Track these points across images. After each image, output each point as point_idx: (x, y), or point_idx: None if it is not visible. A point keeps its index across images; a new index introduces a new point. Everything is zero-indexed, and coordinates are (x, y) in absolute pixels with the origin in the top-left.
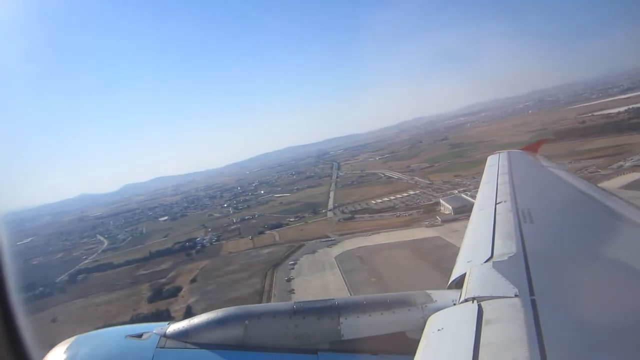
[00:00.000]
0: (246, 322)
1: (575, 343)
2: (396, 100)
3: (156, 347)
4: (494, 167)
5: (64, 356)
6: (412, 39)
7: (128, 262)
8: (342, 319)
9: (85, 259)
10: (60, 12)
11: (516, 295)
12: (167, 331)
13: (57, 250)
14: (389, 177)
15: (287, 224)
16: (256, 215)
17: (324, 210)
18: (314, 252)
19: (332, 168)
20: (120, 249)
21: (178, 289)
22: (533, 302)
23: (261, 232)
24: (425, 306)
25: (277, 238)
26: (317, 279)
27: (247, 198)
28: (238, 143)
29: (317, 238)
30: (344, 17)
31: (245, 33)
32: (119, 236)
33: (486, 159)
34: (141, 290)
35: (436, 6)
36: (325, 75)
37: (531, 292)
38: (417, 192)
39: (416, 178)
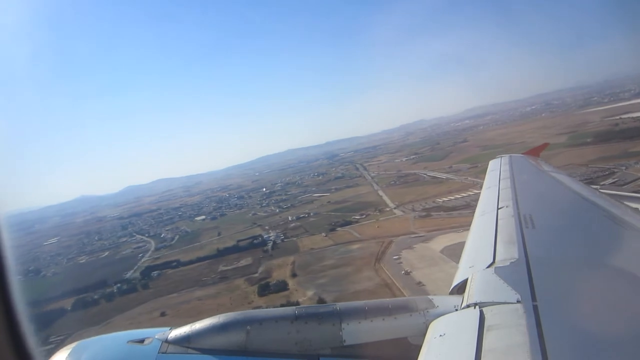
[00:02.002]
0: (248, 327)
1: (577, 349)
2: (396, 104)
3: (158, 353)
4: (496, 171)
5: None
6: (412, 43)
7: (199, 259)
8: (343, 325)
9: (142, 256)
10: (63, 15)
11: (518, 301)
12: (169, 337)
13: (98, 250)
14: (435, 177)
15: (357, 222)
16: (311, 214)
17: (387, 209)
18: (410, 247)
19: (357, 169)
20: (173, 247)
21: (284, 283)
22: (535, 308)
23: (333, 229)
24: (427, 312)
25: (355, 235)
26: (438, 272)
27: (283, 198)
28: (238, 145)
29: (403, 234)
30: (344, 21)
31: (245, 36)
32: (162, 235)
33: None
34: (239, 285)
35: (437, 10)
36: (325, 79)
37: (533, 298)
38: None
39: (469, 178)
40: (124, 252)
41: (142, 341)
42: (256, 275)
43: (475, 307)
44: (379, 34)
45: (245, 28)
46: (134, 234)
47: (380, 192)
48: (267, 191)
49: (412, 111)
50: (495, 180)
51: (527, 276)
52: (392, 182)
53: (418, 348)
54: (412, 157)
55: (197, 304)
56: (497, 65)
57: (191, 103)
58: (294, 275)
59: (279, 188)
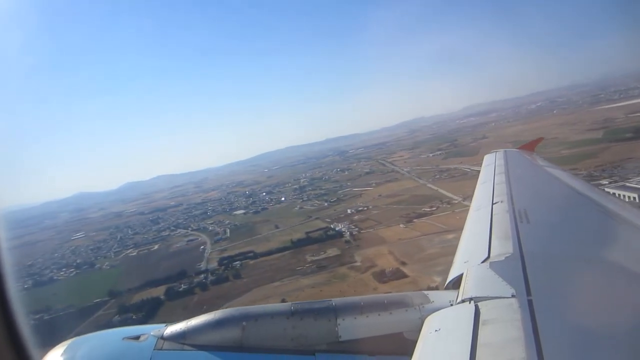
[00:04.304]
0: (243, 323)
1: (571, 343)
2: (394, 102)
3: (154, 349)
4: (491, 166)
5: (61, 359)
6: (411, 41)
7: (278, 250)
8: (339, 320)
9: (204, 249)
10: (64, 12)
11: (513, 296)
12: (165, 333)
13: (143, 243)
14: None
15: (431, 213)
16: (370, 207)
17: (455, 201)
18: None
19: (383, 165)
20: (232, 239)
21: (398, 270)
22: (530, 303)
23: (409, 221)
24: (423, 307)
25: (440, 225)
26: None
27: (320, 192)
28: (237, 142)
29: None
30: (341, 20)
31: (243, 35)
32: (210, 229)
33: (567, 155)
34: (346, 273)
35: (436, 8)
36: (325, 76)
37: (528, 293)
38: None
39: None
40: (177, 245)
41: (137, 338)
42: (358, 264)
43: (470, 302)
44: (376, 32)
45: (242, 27)
46: (173, 227)
47: (431, 186)
48: (295, 186)
49: (410, 109)
50: (490, 175)
51: (521, 271)
52: (437, 177)
53: (413, 343)
54: (437, 152)
55: (314, 292)
56: (493, 64)
57: (188, 100)
58: (402, 263)
59: (306, 183)
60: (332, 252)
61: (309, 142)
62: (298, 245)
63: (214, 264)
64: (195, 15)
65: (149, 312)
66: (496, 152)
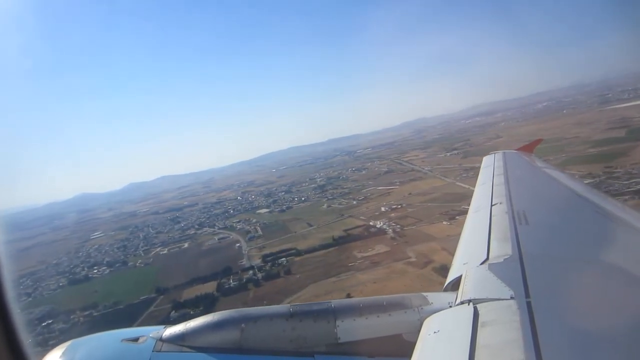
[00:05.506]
0: (243, 325)
1: (570, 345)
2: (396, 102)
3: (152, 351)
4: (490, 168)
5: None
6: (412, 41)
7: (321, 247)
8: (338, 322)
9: (240, 246)
10: (65, 8)
11: (512, 298)
12: (164, 335)
13: (171, 241)
14: None
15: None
16: (404, 205)
17: None
18: None
19: (401, 164)
20: (267, 237)
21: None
22: (529, 304)
23: (452, 218)
24: (422, 308)
25: None
26: None
27: (344, 191)
28: (239, 143)
29: None
30: (341, 21)
31: (244, 37)
32: (238, 228)
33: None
34: (404, 269)
35: (436, 8)
36: (326, 77)
37: (527, 294)
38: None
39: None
40: (208, 243)
41: (136, 339)
42: (413, 259)
43: (469, 304)
44: (377, 32)
45: (243, 27)
46: (197, 226)
47: (461, 184)
48: (312, 185)
49: (412, 109)
50: (489, 176)
51: (520, 273)
52: (464, 175)
53: (412, 344)
54: (454, 152)
55: (377, 287)
56: (494, 65)
57: (190, 101)
58: None
59: (324, 182)
60: (381, 248)
61: (311, 143)
62: (340, 242)
63: (257, 261)
64: (196, 16)
65: (206, 308)
66: (495, 153)
